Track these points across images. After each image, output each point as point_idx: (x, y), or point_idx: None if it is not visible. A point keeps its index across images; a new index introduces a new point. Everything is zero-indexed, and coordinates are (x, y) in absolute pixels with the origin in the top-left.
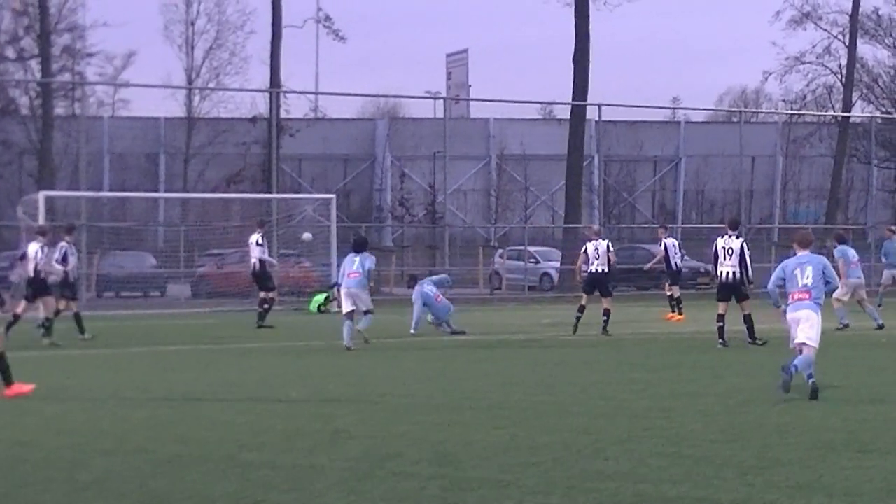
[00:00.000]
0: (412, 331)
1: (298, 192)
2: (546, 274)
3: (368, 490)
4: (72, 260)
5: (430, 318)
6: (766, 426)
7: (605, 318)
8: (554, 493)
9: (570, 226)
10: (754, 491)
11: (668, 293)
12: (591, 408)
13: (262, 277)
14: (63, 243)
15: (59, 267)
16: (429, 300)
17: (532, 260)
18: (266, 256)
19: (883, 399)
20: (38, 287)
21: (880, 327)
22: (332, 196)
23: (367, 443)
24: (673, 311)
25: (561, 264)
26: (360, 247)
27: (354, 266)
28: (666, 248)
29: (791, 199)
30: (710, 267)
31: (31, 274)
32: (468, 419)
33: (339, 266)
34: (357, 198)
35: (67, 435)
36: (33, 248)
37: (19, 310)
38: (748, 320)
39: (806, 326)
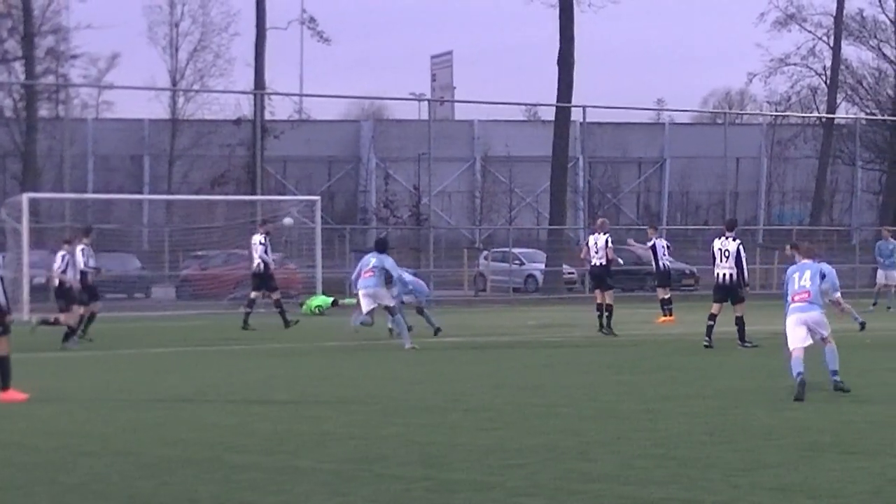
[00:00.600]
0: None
1: (283, 194)
2: (531, 275)
3: (354, 492)
4: (91, 262)
5: (405, 298)
6: (752, 428)
7: (607, 313)
8: (540, 494)
9: (555, 227)
10: (740, 493)
11: (664, 296)
12: (577, 409)
13: (264, 278)
14: (82, 246)
15: (87, 270)
16: (408, 287)
17: (517, 262)
18: (266, 257)
19: (868, 400)
20: (67, 296)
21: (862, 325)
22: (317, 198)
23: (353, 444)
24: (665, 315)
25: (546, 266)
26: (380, 247)
27: (370, 265)
28: (654, 248)
29: (776, 200)
30: (694, 269)
31: (57, 284)
32: (455, 421)
33: (345, 268)
34: (341, 199)
35: (53, 437)
36: (59, 257)
37: (62, 318)
38: (740, 322)
39: (820, 328)
